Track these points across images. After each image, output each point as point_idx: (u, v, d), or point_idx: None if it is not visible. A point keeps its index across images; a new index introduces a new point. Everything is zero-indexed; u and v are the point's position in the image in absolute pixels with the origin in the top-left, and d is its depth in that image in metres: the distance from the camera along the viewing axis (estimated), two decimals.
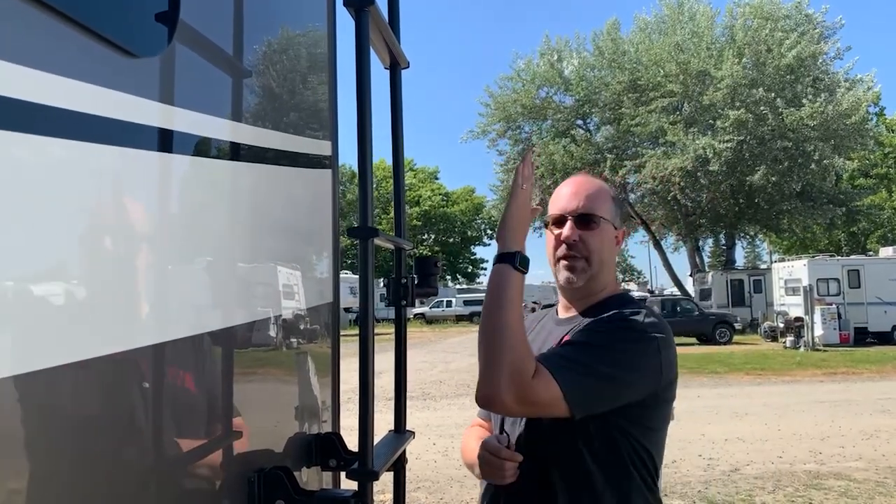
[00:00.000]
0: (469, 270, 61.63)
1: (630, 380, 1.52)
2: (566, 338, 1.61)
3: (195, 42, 1.11)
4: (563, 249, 1.66)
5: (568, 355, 1.51)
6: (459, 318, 41.60)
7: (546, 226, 1.74)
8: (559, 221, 1.68)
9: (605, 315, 1.61)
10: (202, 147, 1.12)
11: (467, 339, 27.92)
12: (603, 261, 1.68)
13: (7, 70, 0.71)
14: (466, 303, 42.29)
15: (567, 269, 1.67)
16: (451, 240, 58.63)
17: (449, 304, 42.62)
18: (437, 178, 59.88)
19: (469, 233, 59.00)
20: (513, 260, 1.51)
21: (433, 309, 41.59)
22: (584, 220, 1.66)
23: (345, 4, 1.27)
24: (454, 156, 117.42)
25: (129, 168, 0.93)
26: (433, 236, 56.57)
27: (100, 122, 0.85)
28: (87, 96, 0.83)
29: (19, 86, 0.72)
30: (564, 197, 1.71)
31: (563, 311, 1.77)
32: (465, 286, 48.59)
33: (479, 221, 58.17)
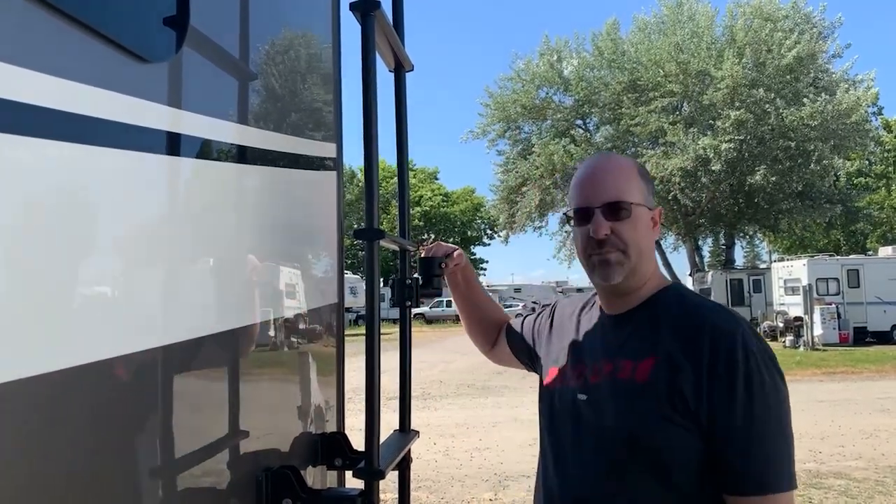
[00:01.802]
0: None
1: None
2: (647, 364, 1.39)
3: (204, 47, 1.12)
4: (594, 246, 1.45)
5: (766, 460, 1.32)
6: (459, 318, 41.51)
7: (569, 221, 1.53)
8: (585, 215, 1.46)
9: (740, 375, 1.32)
10: (211, 150, 1.14)
11: (468, 338, 27.84)
12: (642, 251, 1.46)
13: (22, 76, 0.72)
14: None
15: (602, 265, 1.45)
16: (452, 240, 58.55)
17: (449, 303, 42.45)
18: (437, 179, 59.90)
19: (469, 233, 59.00)
20: None
21: (433, 309, 41.55)
22: (613, 209, 1.44)
23: (351, 9, 1.28)
24: (454, 156, 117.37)
25: (141, 171, 0.94)
26: (433, 236, 56.53)
27: (114, 126, 0.87)
28: (101, 101, 0.84)
29: (29, 90, 0.74)
30: (587, 185, 1.49)
31: (609, 306, 1.54)
32: None
33: (479, 221, 58.17)
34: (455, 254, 1.87)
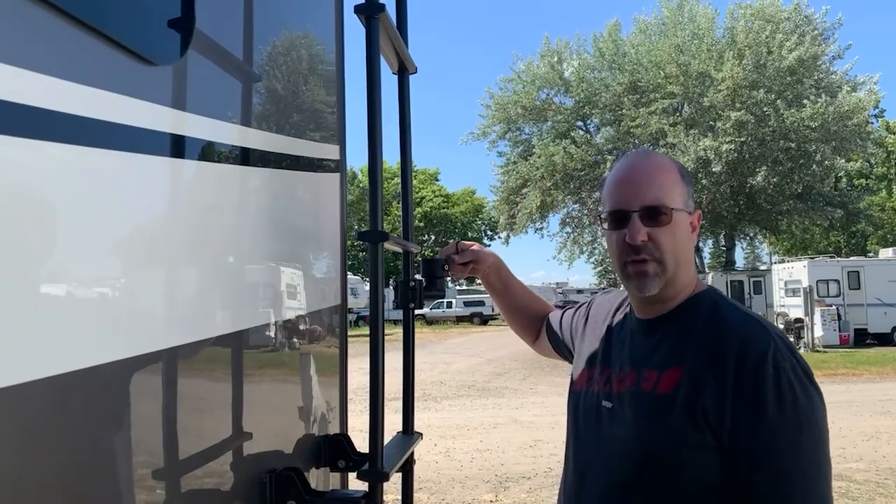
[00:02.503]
0: None
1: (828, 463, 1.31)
2: (671, 375, 1.32)
3: (209, 49, 1.13)
4: (629, 252, 1.36)
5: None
6: (460, 319, 41.54)
7: (601, 223, 1.44)
8: (621, 219, 1.37)
9: (769, 404, 1.23)
10: (216, 152, 1.14)
11: (468, 339, 27.92)
12: (679, 260, 1.37)
13: (29, 79, 0.72)
14: (467, 304, 42.24)
15: (638, 275, 1.36)
16: (452, 240, 58.48)
17: (449, 304, 42.53)
18: (437, 180, 59.93)
19: (469, 234, 58.95)
20: None
21: (433, 310, 41.47)
22: (652, 214, 1.34)
23: (356, 11, 1.28)
24: (454, 157, 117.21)
25: (147, 174, 0.94)
26: (434, 237, 56.59)
27: (121, 129, 0.87)
28: (108, 104, 0.85)
29: (36, 93, 0.74)
30: (624, 186, 1.39)
31: (640, 311, 1.46)
32: (465, 287, 48.64)
33: (480, 222, 58.21)
34: (474, 247, 1.91)
